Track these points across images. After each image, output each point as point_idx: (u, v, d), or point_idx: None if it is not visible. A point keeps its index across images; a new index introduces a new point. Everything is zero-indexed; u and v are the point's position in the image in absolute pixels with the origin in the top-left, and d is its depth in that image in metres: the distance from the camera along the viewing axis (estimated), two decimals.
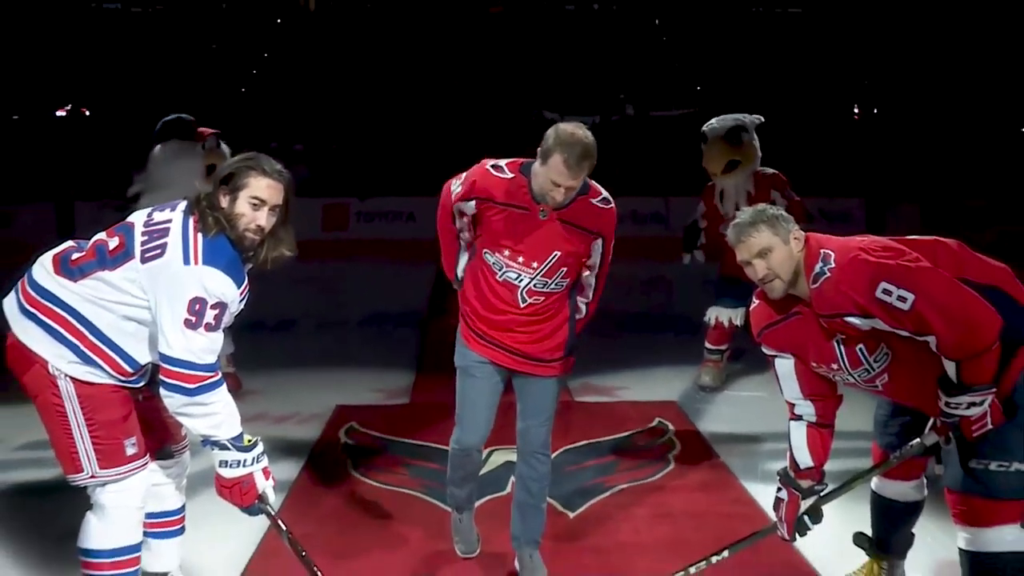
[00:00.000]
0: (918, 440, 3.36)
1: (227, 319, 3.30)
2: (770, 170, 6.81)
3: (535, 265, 3.76)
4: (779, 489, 3.61)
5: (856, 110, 21.38)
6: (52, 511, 4.50)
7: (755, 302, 3.52)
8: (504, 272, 3.80)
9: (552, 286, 3.83)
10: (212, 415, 3.26)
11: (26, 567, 4.24)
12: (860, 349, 3.27)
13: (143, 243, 3.26)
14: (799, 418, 3.52)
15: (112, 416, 3.33)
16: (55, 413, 3.29)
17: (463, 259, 4.07)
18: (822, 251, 3.24)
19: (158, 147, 6.47)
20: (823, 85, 19.69)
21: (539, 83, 17.99)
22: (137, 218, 3.37)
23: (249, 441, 3.35)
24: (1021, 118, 19.07)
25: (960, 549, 3.33)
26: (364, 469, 5.45)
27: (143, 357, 3.35)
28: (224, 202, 3.29)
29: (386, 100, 19.89)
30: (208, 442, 3.32)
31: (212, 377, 3.24)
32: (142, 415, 3.47)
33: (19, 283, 3.38)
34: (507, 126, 17.82)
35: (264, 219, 3.32)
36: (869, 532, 3.86)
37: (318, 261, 14.02)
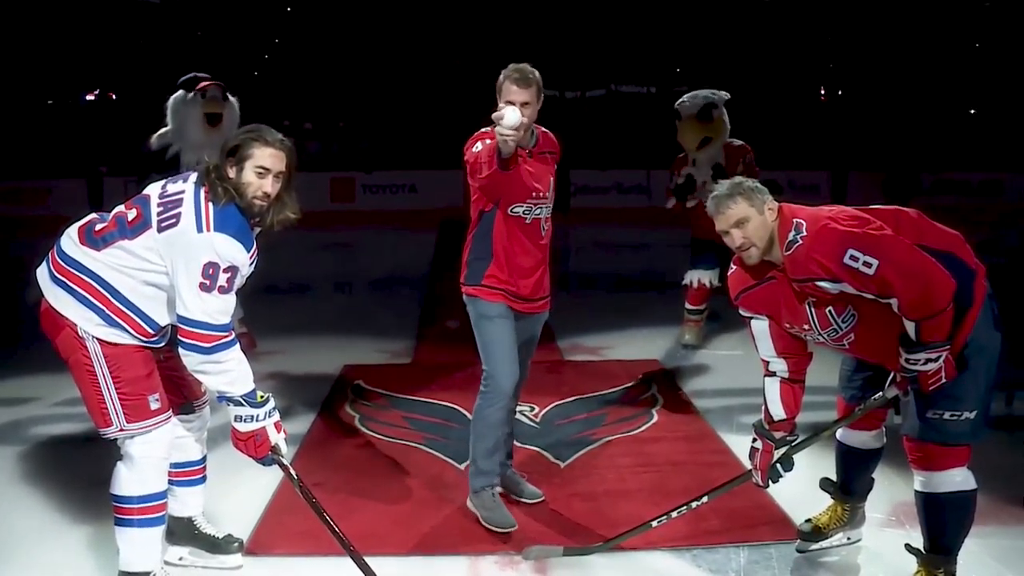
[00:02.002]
0: (880, 394, 3.37)
1: (239, 282, 3.28)
2: (738, 142, 6.83)
3: (545, 194, 4.00)
4: (754, 440, 3.60)
5: (823, 92, 21.35)
6: (85, 461, 4.49)
7: (732, 268, 3.51)
8: (532, 212, 3.98)
9: (550, 207, 4.07)
10: (227, 372, 3.26)
11: (63, 511, 4.24)
12: (829, 311, 3.26)
13: (159, 213, 3.25)
14: (773, 374, 3.51)
15: (136, 374, 3.31)
16: (85, 372, 3.29)
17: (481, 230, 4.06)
18: (795, 220, 3.22)
19: (170, 99, 6.50)
20: (793, 69, 19.65)
21: (534, 59, 17.92)
22: (152, 190, 3.35)
23: (262, 397, 3.33)
24: (969, 100, 19.10)
25: (916, 491, 3.36)
26: (370, 424, 5.43)
27: (163, 319, 3.33)
28: (231, 172, 3.27)
29: (389, 81, 19.80)
30: (224, 398, 3.31)
31: (226, 337, 3.24)
32: (164, 373, 3.46)
33: (49, 253, 3.37)
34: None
35: (270, 186, 3.30)
36: (834, 478, 3.86)
37: (327, 231, 14.05)
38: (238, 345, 3.31)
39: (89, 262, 3.26)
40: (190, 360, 3.24)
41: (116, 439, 3.37)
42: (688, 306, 7.13)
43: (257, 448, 3.35)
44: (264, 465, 3.43)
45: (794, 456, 3.55)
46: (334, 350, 6.99)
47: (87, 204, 12.78)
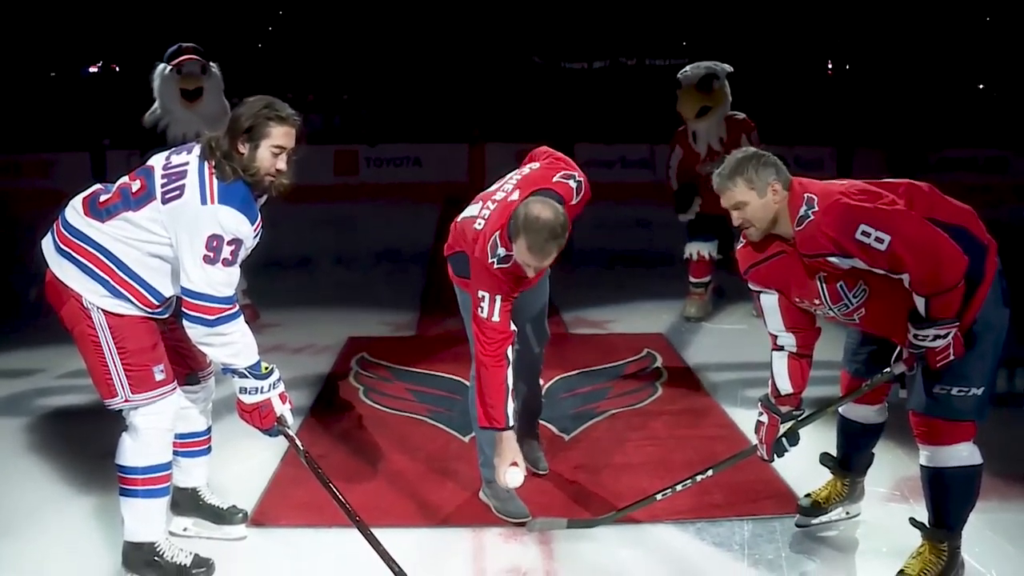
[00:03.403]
0: (888, 369, 3.35)
1: (243, 254, 3.28)
2: (740, 115, 6.83)
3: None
4: (760, 414, 3.59)
5: (830, 66, 21.23)
6: (91, 432, 4.49)
7: (742, 242, 3.47)
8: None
9: None
10: (231, 344, 3.25)
11: (69, 482, 4.26)
12: (840, 286, 3.23)
13: (163, 185, 3.23)
14: (781, 348, 3.49)
15: (141, 345, 3.31)
16: (90, 343, 3.29)
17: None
18: (806, 195, 3.19)
19: (154, 72, 6.45)
20: (800, 43, 19.53)
21: (532, 32, 17.84)
22: (156, 161, 3.33)
23: (266, 369, 3.33)
24: (977, 76, 19.01)
25: (921, 465, 3.35)
26: (374, 396, 5.44)
27: (167, 290, 3.32)
28: (243, 149, 3.24)
29: (393, 53, 19.72)
30: (228, 370, 3.31)
31: (230, 309, 3.23)
32: (169, 344, 3.46)
33: (54, 224, 3.36)
34: (501, 73, 17.73)
35: (283, 164, 3.29)
36: (834, 453, 3.86)
37: (331, 204, 14.03)
38: (243, 317, 3.30)
39: (93, 233, 3.25)
40: (194, 332, 3.23)
41: (121, 410, 3.37)
42: (691, 279, 7.14)
43: (262, 419, 3.36)
44: (270, 436, 3.44)
45: (800, 431, 3.54)
46: (338, 323, 6.99)
47: (90, 177, 12.74)
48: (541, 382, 5.41)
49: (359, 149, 16.62)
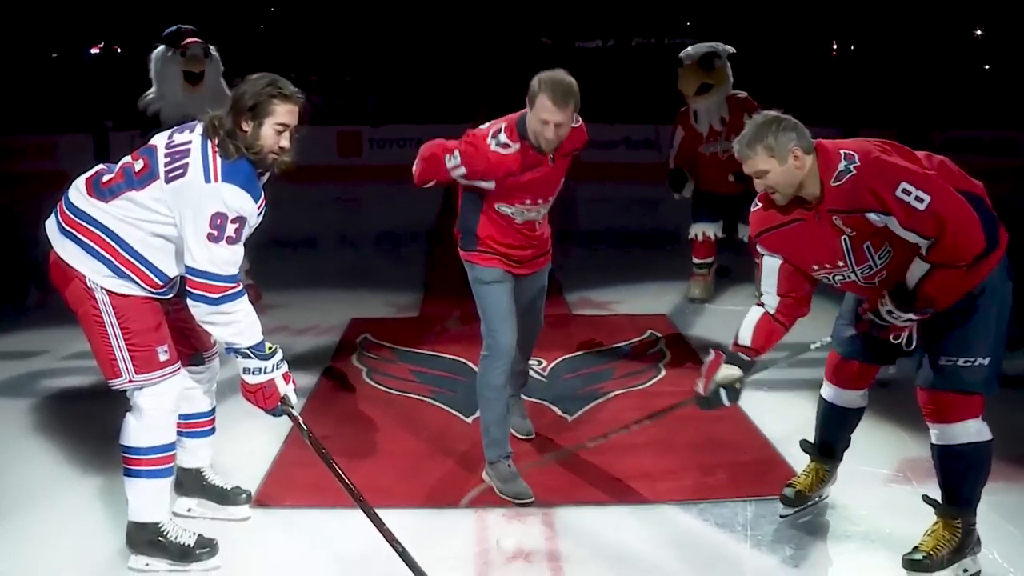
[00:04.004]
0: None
1: (247, 232, 3.28)
2: (742, 94, 6.79)
3: (550, 199, 3.97)
4: (710, 352, 3.61)
5: (835, 46, 21.15)
6: (94, 414, 4.51)
7: (757, 205, 3.43)
8: (524, 215, 3.92)
9: (553, 201, 4.02)
10: (234, 323, 3.26)
11: (74, 463, 4.28)
12: (867, 247, 3.20)
13: (166, 164, 3.22)
14: (761, 305, 3.51)
15: (145, 325, 3.31)
16: (94, 323, 3.29)
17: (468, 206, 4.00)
18: (843, 151, 3.15)
19: (152, 53, 6.43)
20: (805, 23, 19.45)
21: (540, 11, 17.75)
22: (159, 140, 3.33)
23: (270, 349, 3.34)
24: (984, 56, 18.91)
25: (932, 444, 3.34)
26: (377, 376, 5.44)
27: (171, 270, 3.32)
28: (247, 127, 3.23)
29: (396, 34, 19.65)
30: (232, 350, 3.31)
31: (234, 288, 3.23)
32: (173, 325, 3.46)
33: (57, 205, 3.35)
34: (507, 53, 17.64)
35: (287, 141, 3.29)
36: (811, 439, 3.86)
37: (334, 185, 14.02)
38: (246, 296, 3.30)
39: (97, 213, 3.24)
40: (198, 311, 3.24)
41: (125, 391, 3.37)
42: (695, 260, 7.13)
43: (266, 399, 3.37)
44: (274, 416, 3.45)
45: (742, 390, 3.52)
46: (341, 304, 6.99)
47: (93, 158, 12.65)
48: (544, 362, 5.43)
49: (362, 130, 16.60)
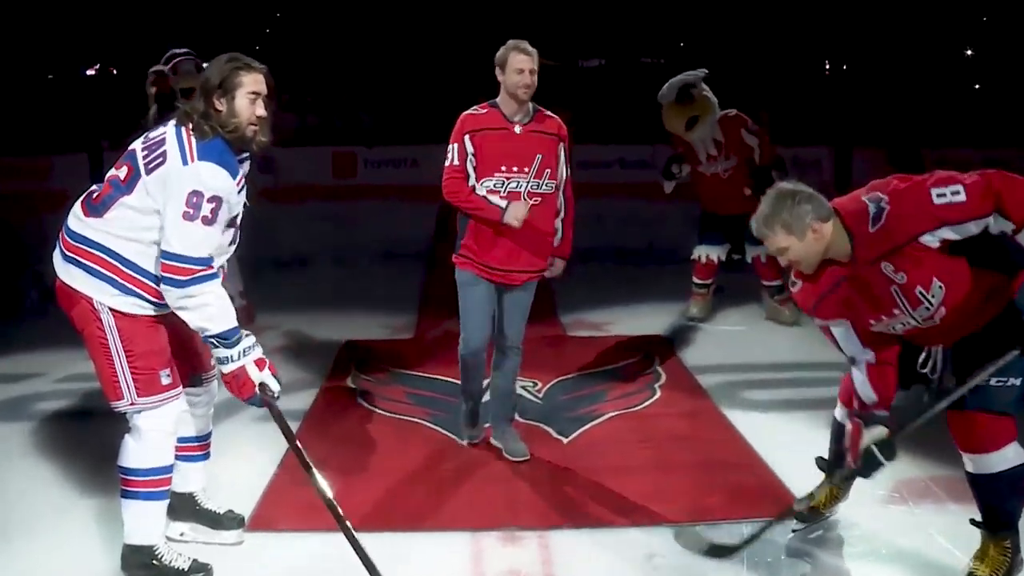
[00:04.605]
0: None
1: (225, 213, 3.23)
2: (732, 112, 6.77)
3: (526, 170, 4.28)
4: (846, 424, 3.53)
5: (827, 65, 21.25)
6: (89, 436, 4.52)
7: (797, 284, 3.39)
8: (507, 185, 4.28)
9: (543, 187, 4.33)
10: (205, 306, 3.19)
11: (68, 486, 4.26)
12: (919, 291, 3.13)
13: (144, 157, 3.24)
14: (857, 362, 3.40)
15: (149, 348, 3.32)
16: (99, 344, 3.29)
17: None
18: (864, 198, 3.13)
19: (149, 77, 6.41)
20: (797, 42, 19.54)
21: (531, 32, 17.80)
22: (136, 143, 3.35)
23: (238, 338, 3.26)
24: (974, 76, 19.01)
25: (968, 472, 3.31)
26: (371, 398, 5.42)
27: None
28: (221, 105, 3.25)
29: (390, 55, 19.72)
30: (207, 339, 3.26)
31: (205, 271, 3.19)
32: (176, 341, 3.45)
33: (59, 235, 3.37)
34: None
35: (262, 109, 3.30)
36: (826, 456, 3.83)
37: (329, 205, 14.02)
38: (218, 281, 3.25)
39: (94, 234, 3.25)
40: (170, 296, 3.20)
41: (126, 412, 3.36)
42: (695, 280, 7.11)
43: (240, 388, 3.30)
44: (253, 405, 3.37)
45: (895, 444, 3.32)
46: (336, 325, 6.97)
47: (88, 178, 12.71)
48: (539, 384, 5.42)
49: (357, 151, 16.64)
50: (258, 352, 3.33)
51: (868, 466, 3.33)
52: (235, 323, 3.27)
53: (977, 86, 19.67)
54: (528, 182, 4.28)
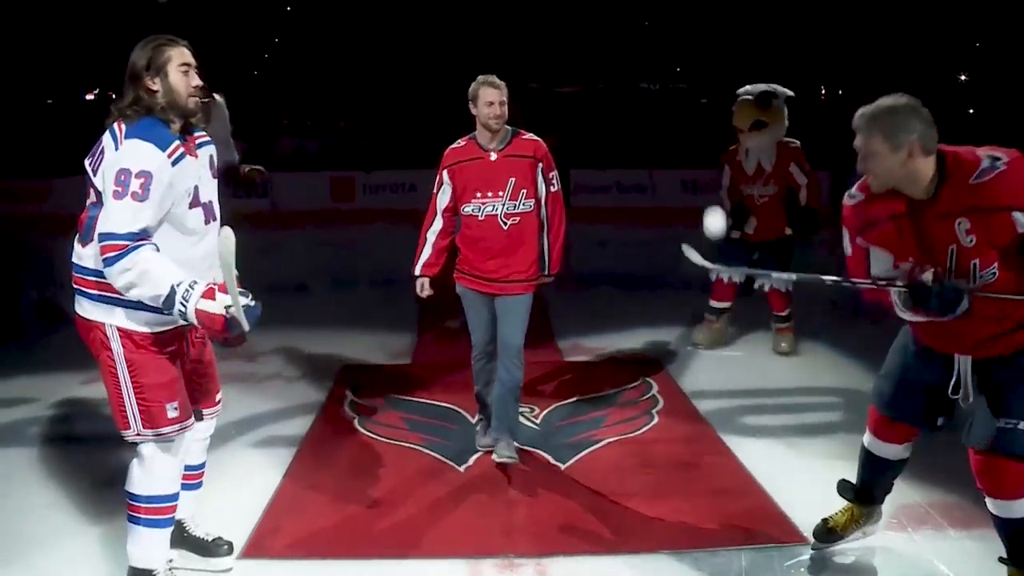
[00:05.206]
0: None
1: (160, 189, 3.12)
2: (794, 142, 6.65)
3: (500, 193, 4.62)
4: None
5: (823, 90, 21.33)
6: (85, 461, 4.52)
7: (855, 198, 3.29)
8: (483, 209, 4.64)
9: (521, 207, 4.65)
10: (147, 272, 3.07)
11: (69, 510, 4.24)
12: (974, 263, 3.05)
13: (91, 164, 3.24)
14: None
15: (157, 380, 3.30)
16: (108, 372, 3.30)
17: (434, 234, 4.89)
18: (984, 152, 3.05)
19: None
20: (793, 68, 19.62)
21: (524, 57, 17.88)
22: (85, 161, 3.31)
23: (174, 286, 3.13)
24: (968, 101, 19.06)
25: (992, 514, 3.26)
26: (369, 425, 5.38)
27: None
28: (155, 84, 3.23)
29: (389, 80, 19.78)
30: (165, 309, 3.14)
31: (136, 242, 3.08)
32: (188, 373, 3.46)
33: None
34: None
35: (197, 79, 3.30)
36: (846, 478, 3.80)
37: (327, 229, 14.02)
38: (151, 248, 3.12)
39: (89, 261, 3.25)
40: (112, 275, 3.11)
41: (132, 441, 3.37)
42: (712, 302, 6.96)
43: (213, 329, 3.19)
44: (235, 332, 3.18)
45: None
46: (333, 350, 6.95)
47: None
48: (537, 409, 5.40)
49: (355, 175, 16.67)
50: (199, 289, 3.15)
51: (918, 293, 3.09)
52: (176, 279, 3.13)
53: (971, 111, 19.74)
54: (504, 204, 4.63)
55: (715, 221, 3.77)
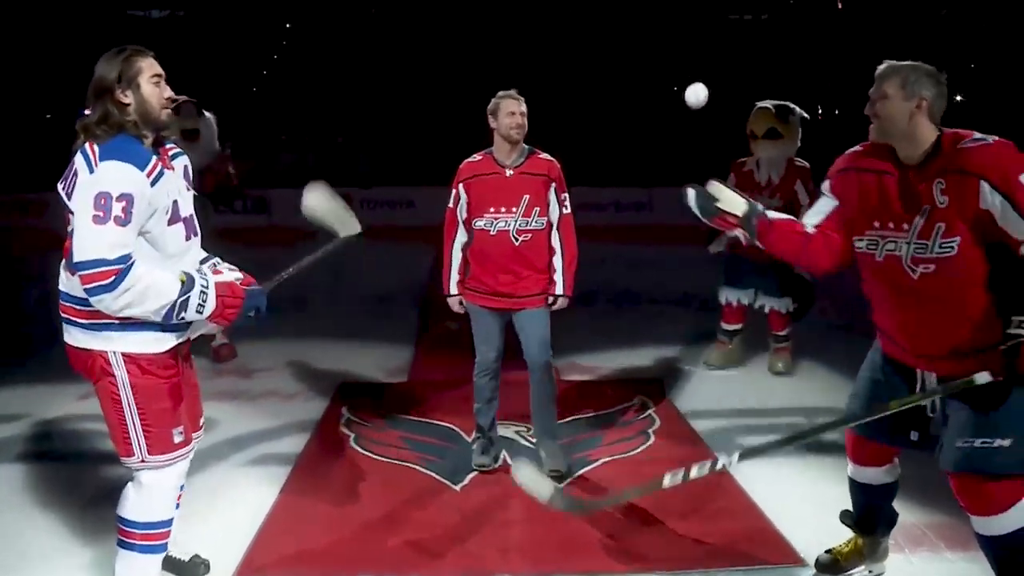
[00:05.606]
0: (961, 380, 3.10)
1: (142, 210, 3.08)
2: (804, 163, 6.63)
3: (514, 210, 4.70)
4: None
5: (820, 110, 21.38)
6: (73, 480, 4.47)
7: (858, 149, 3.38)
8: (495, 224, 4.72)
9: (533, 224, 4.74)
10: (147, 289, 3.05)
11: (60, 531, 4.20)
12: (939, 227, 3.09)
13: (64, 190, 3.15)
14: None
15: (162, 406, 3.27)
16: (111, 400, 3.24)
17: (459, 248, 4.90)
18: (976, 134, 3.11)
19: None
20: (790, 87, 19.67)
21: (532, 73, 17.91)
22: (58, 186, 3.23)
23: (183, 279, 3.16)
24: (962, 121, 19.11)
25: (977, 533, 3.23)
26: (365, 443, 5.37)
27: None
28: (127, 98, 3.17)
29: (386, 96, 19.82)
30: (172, 315, 3.14)
31: (125, 266, 3.02)
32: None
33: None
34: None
35: (168, 90, 3.25)
36: (850, 508, 3.79)
37: (324, 245, 13.98)
38: (139, 264, 3.07)
39: (79, 290, 3.13)
40: (104, 304, 3.05)
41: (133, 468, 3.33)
42: (723, 325, 6.95)
43: (233, 302, 3.26)
44: (256, 309, 3.36)
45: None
46: (330, 368, 6.94)
47: None
48: (532, 428, 5.39)
49: (353, 192, 16.68)
50: (207, 279, 3.22)
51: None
52: (179, 282, 3.14)
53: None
54: (516, 220, 4.71)
55: (698, 90, 3.88)
